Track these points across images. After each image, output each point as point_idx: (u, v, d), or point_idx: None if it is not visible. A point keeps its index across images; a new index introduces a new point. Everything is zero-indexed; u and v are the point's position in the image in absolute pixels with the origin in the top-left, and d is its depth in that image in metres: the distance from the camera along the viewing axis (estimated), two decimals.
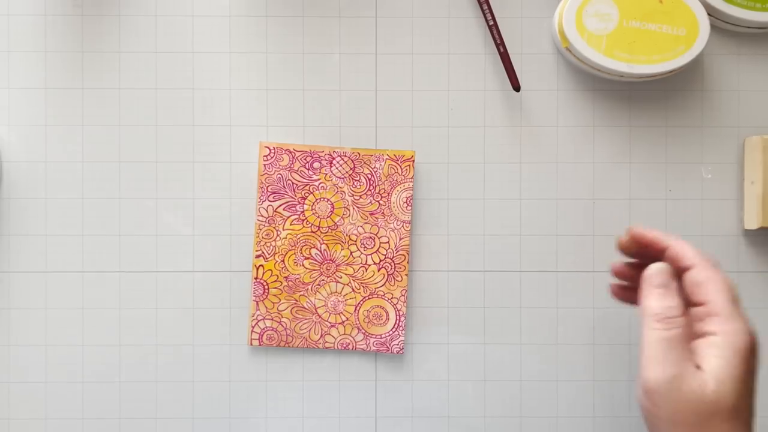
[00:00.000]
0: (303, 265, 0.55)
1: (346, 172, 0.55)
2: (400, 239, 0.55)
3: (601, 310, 0.56)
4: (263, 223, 0.55)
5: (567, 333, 0.56)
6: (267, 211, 0.55)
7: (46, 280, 0.55)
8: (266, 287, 0.55)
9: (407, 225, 0.55)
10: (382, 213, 0.55)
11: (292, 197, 0.55)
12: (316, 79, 0.56)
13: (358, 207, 0.55)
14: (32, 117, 0.56)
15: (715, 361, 0.38)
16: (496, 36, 0.55)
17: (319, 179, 0.55)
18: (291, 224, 0.55)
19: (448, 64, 0.56)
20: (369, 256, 0.55)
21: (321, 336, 0.55)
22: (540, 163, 0.56)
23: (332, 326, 0.55)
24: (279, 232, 0.55)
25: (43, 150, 0.56)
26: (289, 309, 0.55)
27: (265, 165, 0.55)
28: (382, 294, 0.55)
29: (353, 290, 0.55)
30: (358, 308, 0.55)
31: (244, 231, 0.56)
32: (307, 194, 0.55)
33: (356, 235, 0.55)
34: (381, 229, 0.55)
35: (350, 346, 0.55)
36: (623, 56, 0.53)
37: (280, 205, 0.55)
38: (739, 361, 0.37)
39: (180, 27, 0.56)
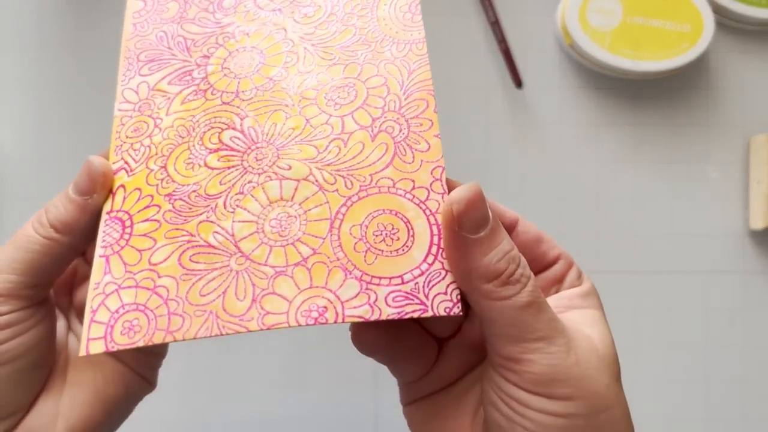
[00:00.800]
0: (205, 164, 0.30)
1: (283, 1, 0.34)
2: (411, 72, 0.31)
3: (604, 310, 0.56)
4: (128, 114, 0.32)
5: None
6: (139, 91, 0.33)
7: None
8: (129, 223, 0.29)
9: (420, 45, 0.32)
10: (364, 40, 0.32)
11: (186, 61, 0.33)
12: None
13: (314, 44, 0.32)
14: (28, 116, 0.55)
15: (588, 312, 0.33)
16: (498, 33, 0.55)
17: (235, 22, 0.34)
18: (183, 103, 0.32)
19: (449, 62, 0.56)
20: (348, 117, 0.30)
21: (253, 301, 0.26)
22: (543, 161, 0.56)
23: (279, 274, 0.27)
24: (159, 121, 0.31)
25: (39, 149, 0.55)
26: (176, 257, 0.28)
27: (135, 25, 0.35)
28: (391, 186, 0.28)
29: (321, 188, 0.28)
30: (336, 226, 0.28)
31: None
32: (212, 49, 0.33)
33: (316, 89, 0.31)
34: (366, 65, 0.31)
35: (330, 316, 0.26)
36: (627, 53, 0.53)
37: (162, 78, 0.33)
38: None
39: None
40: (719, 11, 0.55)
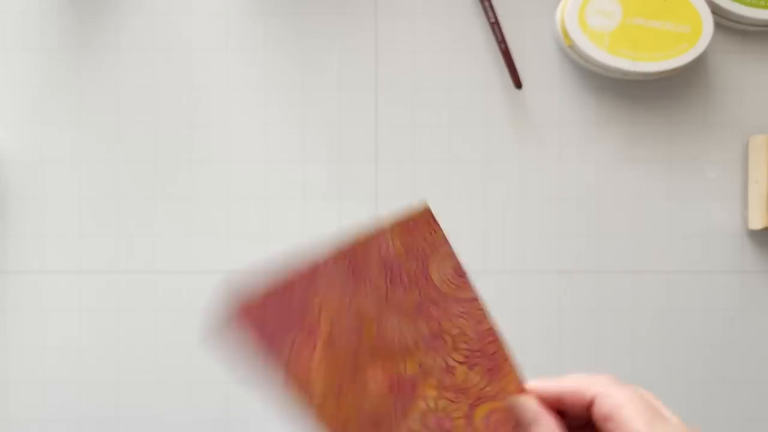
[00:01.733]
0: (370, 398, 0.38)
1: (347, 278, 0.38)
2: (477, 323, 0.39)
3: (603, 310, 0.56)
4: None
5: (569, 333, 0.56)
6: None
7: (43, 280, 0.55)
8: None
9: (476, 302, 0.39)
10: (433, 300, 0.39)
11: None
12: (315, 78, 0.56)
13: (392, 309, 0.39)
14: (29, 116, 0.55)
15: None
16: (498, 33, 0.55)
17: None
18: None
19: (449, 62, 0.56)
20: (445, 358, 0.39)
21: None
22: (542, 161, 0.56)
23: None
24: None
25: (40, 149, 0.55)
26: None
27: None
28: (493, 395, 0.39)
29: (451, 401, 0.39)
30: (469, 419, 0.39)
31: (250, 231, 0.55)
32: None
33: (413, 342, 0.39)
34: (443, 320, 0.39)
35: None
36: (626, 54, 0.53)
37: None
38: None
39: (178, 24, 0.56)
40: (718, 12, 0.55)
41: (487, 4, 0.55)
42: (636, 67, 0.53)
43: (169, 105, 0.56)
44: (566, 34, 0.54)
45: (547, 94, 0.56)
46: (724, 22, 0.56)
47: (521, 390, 0.38)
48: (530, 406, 0.37)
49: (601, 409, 0.34)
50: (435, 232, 0.39)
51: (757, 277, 0.56)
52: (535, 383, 0.38)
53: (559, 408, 0.37)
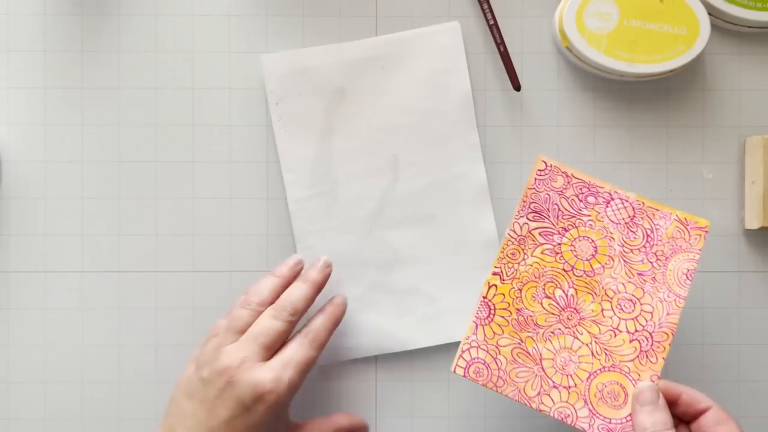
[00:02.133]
0: (541, 304, 0.47)
1: (622, 219, 0.48)
2: (668, 314, 0.47)
3: None
4: (512, 240, 0.48)
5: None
6: (522, 228, 0.49)
7: (45, 280, 0.55)
8: (492, 311, 0.47)
9: (681, 301, 0.47)
10: (654, 277, 0.47)
11: (553, 224, 0.48)
12: None
13: (625, 261, 0.48)
14: (31, 117, 0.56)
15: None
16: (497, 35, 0.55)
17: (589, 216, 0.48)
18: (542, 253, 0.48)
19: None
20: (624, 321, 0.47)
21: (538, 394, 0.46)
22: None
23: (554, 387, 0.46)
24: (526, 257, 0.48)
25: (42, 150, 0.56)
26: (510, 348, 0.47)
27: (536, 180, 0.49)
28: (627, 371, 0.46)
29: (592, 354, 0.46)
30: (592, 377, 0.46)
31: (249, 231, 0.56)
32: (570, 227, 0.48)
33: (614, 292, 0.47)
34: (647, 294, 0.47)
35: (570, 420, 0.46)
36: (624, 55, 0.53)
37: (537, 228, 0.49)
38: None
39: (180, 27, 0.56)
40: (715, 14, 0.55)
41: (486, 6, 0.55)
42: (633, 68, 0.53)
43: (171, 106, 0.56)
44: (564, 36, 0.54)
45: (545, 96, 0.56)
46: (721, 23, 0.56)
47: (652, 379, 0.46)
48: (652, 391, 0.46)
49: (717, 415, 0.44)
50: (699, 239, 0.48)
51: (754, 277, 0.56)
52: (664, 381, 0.47)
53: (672, 405, 0.46)
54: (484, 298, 0.47)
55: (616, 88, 0.56)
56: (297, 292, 0.49)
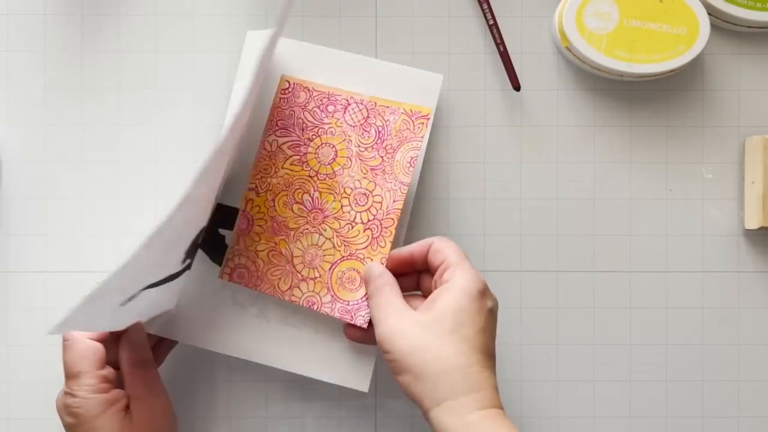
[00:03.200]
0: (291, 209, 0.52)
1: (358, 121, 0.52)
2: (394, 201, 0.51)
3: (601, 309, 0.56)
4: (264, 157, 0.52)
5: (567, 333, 0.56)
6: (271, 145, 0.52)
7: (46, 280, 0.55)
8: (251, 222, 0.52)
9: (405, 187, 0.51)
10: (383, 170, 0.51)
11: (299, 137, 0.52)
12: None
13: (361, 159, 0.52)
14: (31, 117, 0.56)
15: (445, 296, 0.45)
16: (496, 35, 0.55)
17: (329, 124, 0.52)
18: (291, 164, 0.52)
19: (448, 64, 0.56)
20: (359, 214, 0.51)
21: (290, 287, 0.51)
22: (540, 162, 0.56)
23: (303, 280, 0.51)
24: (277, 170, 0.52)
25: (42, 150, 0.56)
26: (267, 251, 0.51)
27: (281, 98, 0.52)
28: (362, 257, 0.51)
29: (334, 246, 0.51)
30: (333, 267, 0.51)
31: None
32: (314, 136, 0.52)
33: (352, 189, 0.51)
34: (378, 186, 0.51)
35: (315, 306, 0.50)
36: (623, 56, 0.53)
37: (285, 143, 0.52)
38: (466, 296, 0.44)
39: (180, 27, 0.56)
40: (714, 14, 0.55)
41: (485, 6, 0.55)
42: (633, 68, 0.53)
43: (171, 106, 0.56)
44: (564, 36, 0.54)
45: (545, 96, 0.56)
46: (721, 23, 0.56)
47: (382, 262, 0.50)
48: (375, 266, 0.49)
49: (435, 245, 0.48)
50: (422, 128, 0.51)
51: (753, 277, 0.56)
52: (394, 250, 0.50)
53: (415, 265, 0.50)
54: (243, 211, 0.52)
55: (616, 88, 0.57)
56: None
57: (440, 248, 0.47)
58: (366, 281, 0.49)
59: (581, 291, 0.56)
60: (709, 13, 0.54)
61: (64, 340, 0.48)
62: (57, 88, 0.56)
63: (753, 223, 0.55)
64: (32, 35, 0.56)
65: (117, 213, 0.56)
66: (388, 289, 0.47)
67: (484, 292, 0.45)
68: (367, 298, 0.49)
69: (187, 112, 0.56)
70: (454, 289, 0.45)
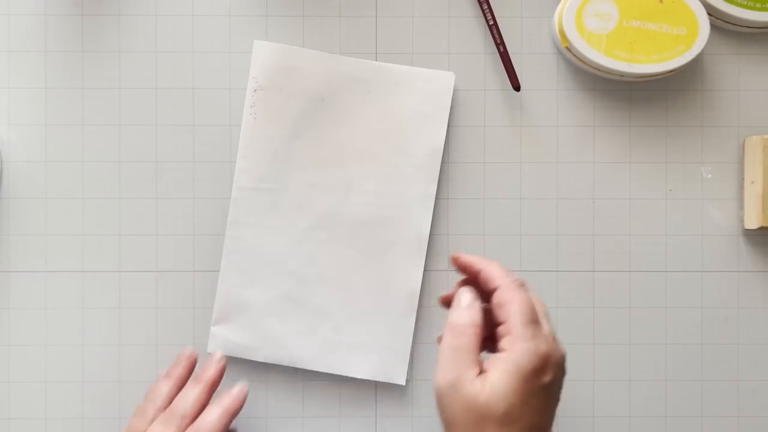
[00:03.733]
0: None
1: None
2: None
3: (601, 309, 0.56)
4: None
5: (567, 333, 0.56)
6: None
7: (46, 279, 0.55)
8: None
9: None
10: None
11: None
12: None
13: None
14: (32, 117, 0.56)
15: (496, 373, 0.41)
16: (496, 36, 0.55)
17: None
18: None
19: (448, 64, 0.56)
20: None
21: None
22: (540, 162, 0.56)
23: None
24: None
25: (43, 150, 0.56)
26: None
27: None
28: None
29: None
30: None
31: None
32: None
33: None
34: None
35: None
36: (623, 56, 0.53)
37: None
38: (519, 377, 0.40)
39: (180, 27, 0.56)
40: (714, 14, 0.55)
41: (485, 6, 0.55)
42: (633, 68, 0.53)
43: (171, 106, 0.56)
44: (564, 36, 0.54)
45: (544, 96, 0.56)
46: (720, 23, 0.56)
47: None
48: (468, 295, 0.44)
49: (498, 298, 0.43)
50: None
51: (753, 277, 0.56)
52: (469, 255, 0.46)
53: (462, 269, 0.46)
54: None
55: (616, 88, 0.57)
56: (190, 396, 0.49)
57: (503, 302, 0.43)
58: (453, 304, 0.45)
59: (581, 291, 0.56)
60: (708, 13, 0.54)
61: None
62: (57, 88, 0.56)
63: (753, 223, 0.55)
64: (33, 35, 0.56)
65: (117, 213, 0.56)
66: (474, 334, 0.43)
67: (542, 369, 0.41)
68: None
69: (187, 113, 0.56)
70: (509, 364, 0.41)
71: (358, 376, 0.55)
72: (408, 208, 0.55)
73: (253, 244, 0.55)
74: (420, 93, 0.55)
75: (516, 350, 0.41)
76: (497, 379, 0.40)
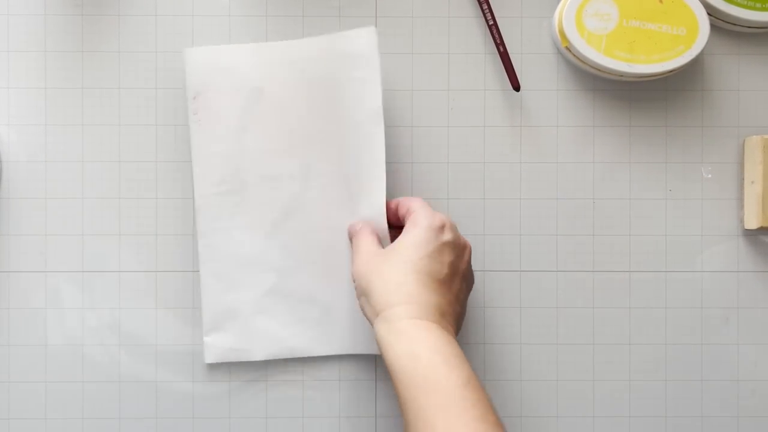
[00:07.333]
0: None
1: None
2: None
3: (600, 309, 0.56)
4: None
5: (567, 332, 0.56)
6: None
7: (46, 279, 0.55)
8: None
9: None
10: None
11: None
12: None
13: None
14: (32, 117, 0.56)
15: (402, 235, 0.49)
16: (496, 36, 0.55)
17: None
18: None
19: (447, 64, 0.56)
20: None
21: None
22: (540, 163, 0.56)
23: None
24: None
25: (43, 150, 0.56)
26: None
27: None
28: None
29: None
30: None
31: None
32: None
33: None
34: None
35: None
36: (623, 56, 0.53)
37: None
38: (421, 230, 0.48)
39: (180, 27, 0.56)
40: (714, 14, 0.55)
41: (485, 6, 0.55)
42: (633, 69, 0.53)
43: (171, 106, 0.56)
44: (564, 37, 0.54)
45: (544, 96, 0.56)
46: (720, 23, 0.56)
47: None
48: (357, 221, 0.53)
49: (405, 204, 0.51)
50: None
51: (753, 277, 0.56)
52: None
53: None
54: None
55: (616, 88, 0.57)
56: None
57: (404, 205, 0.51)
58: (350, 233, 0.53)
59: (581, 291, 0.56)
60: (708, 13, 0.54)
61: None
62: (57, 88, 0.56)
63: (753, 223, 0.55)
64: (33, 35, 0.56)
65: (117, 213, 0.56)
66: (366, 232, 0.51)
67: (441, 228, 0.49)
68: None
69: (186, 112, 0.56)
70: (410, 225, 0.49)
71: (356, 352, 0.55)
72: (361, 180, 0.53)
73: (226, 249, 0.54)
74: (348, 57, 0.53)
75: (417, 216, 0.49)
76: (402, 236, 0.49)
